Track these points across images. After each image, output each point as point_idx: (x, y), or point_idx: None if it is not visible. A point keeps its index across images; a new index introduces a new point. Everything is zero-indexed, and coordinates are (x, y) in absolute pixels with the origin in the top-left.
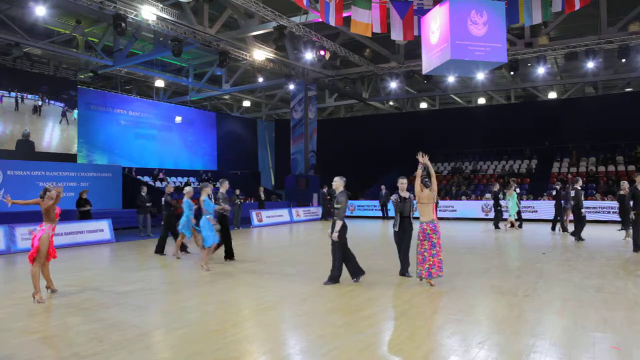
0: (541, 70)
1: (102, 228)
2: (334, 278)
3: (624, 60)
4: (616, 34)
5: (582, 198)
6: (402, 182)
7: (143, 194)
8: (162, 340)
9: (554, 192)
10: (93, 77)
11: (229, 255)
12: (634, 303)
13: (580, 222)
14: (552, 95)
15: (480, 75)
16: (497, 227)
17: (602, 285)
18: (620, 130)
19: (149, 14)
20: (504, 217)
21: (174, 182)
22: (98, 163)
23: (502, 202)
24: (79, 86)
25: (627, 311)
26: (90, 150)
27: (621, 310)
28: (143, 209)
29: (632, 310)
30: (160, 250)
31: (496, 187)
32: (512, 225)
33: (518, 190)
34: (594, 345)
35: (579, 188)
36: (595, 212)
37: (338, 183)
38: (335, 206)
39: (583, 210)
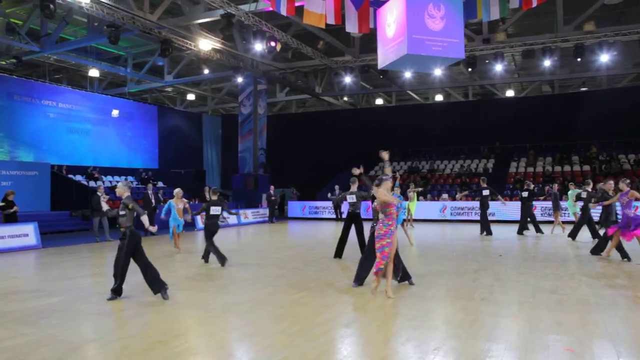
0: (499, 68)
1: (27, 232)
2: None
3: (579, 59)
4: (572, 33)
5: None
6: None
7: (99, 194)
8: (96, 355)
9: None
10: (16, 64)
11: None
12: (586, 304)
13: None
14: (510, 93)
15: (438, 71)
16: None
17: (557, 287)
18: (575, 130)
19: None
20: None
21: (110, 182)
22: (22, 160)
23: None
24: None
25: (580, 312)
26: (13, 146)
27: (574, 311)
28: (99, 212)
29: (585, 312)
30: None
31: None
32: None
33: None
34: (548, 348)
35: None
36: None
37: None
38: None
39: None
